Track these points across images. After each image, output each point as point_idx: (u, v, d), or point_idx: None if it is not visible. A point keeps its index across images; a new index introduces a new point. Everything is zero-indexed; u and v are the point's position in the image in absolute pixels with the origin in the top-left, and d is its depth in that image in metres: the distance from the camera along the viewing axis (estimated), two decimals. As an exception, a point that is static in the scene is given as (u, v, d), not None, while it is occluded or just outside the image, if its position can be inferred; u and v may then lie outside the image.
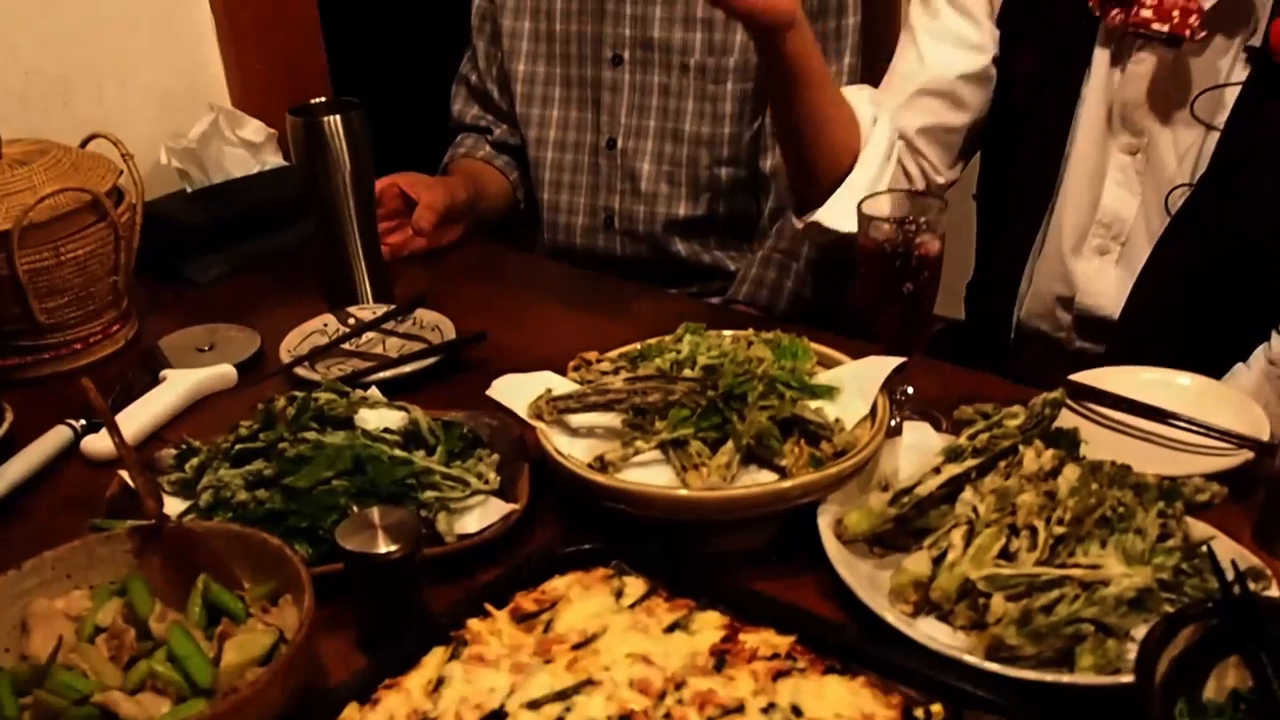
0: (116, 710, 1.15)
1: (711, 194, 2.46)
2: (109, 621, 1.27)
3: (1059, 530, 1.36)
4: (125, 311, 2.11)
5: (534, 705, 1.18)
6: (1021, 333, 2.16)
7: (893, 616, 1.31)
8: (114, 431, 1.37)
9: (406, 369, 1.91)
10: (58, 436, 1.75)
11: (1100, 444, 1.57)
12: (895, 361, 1.61)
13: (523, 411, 1.59)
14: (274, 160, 2.63)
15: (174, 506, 1.52)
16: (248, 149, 2.59)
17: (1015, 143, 2.06)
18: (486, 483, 1.56)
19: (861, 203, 1.62)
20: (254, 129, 2.60)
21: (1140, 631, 1.25)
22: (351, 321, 2.10)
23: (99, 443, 1.73)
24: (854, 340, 1.71)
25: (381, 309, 2.11)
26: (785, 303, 2.44)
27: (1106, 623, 1.27)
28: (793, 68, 1.79)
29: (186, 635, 1.23)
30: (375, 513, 1.34)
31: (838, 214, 1.89)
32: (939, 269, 1.61)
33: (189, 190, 2.53)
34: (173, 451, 1.64)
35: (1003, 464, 1.47)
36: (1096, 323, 2.06)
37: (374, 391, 1.74)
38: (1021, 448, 1.47)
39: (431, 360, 1.94)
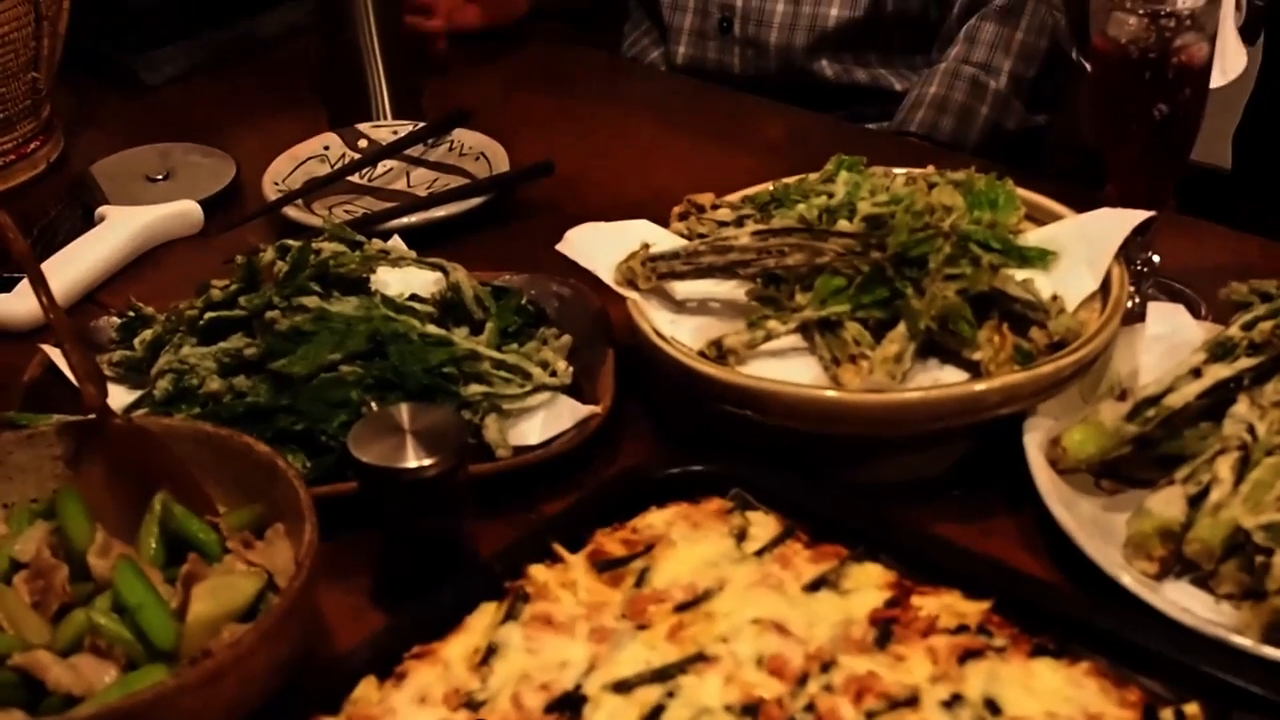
0: (43, 676, 1.16)
1: None
2: (31, 555, 1.28)
3: None
4: (47, 122, 2.13)
5: (623, 687, 1.18)
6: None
7: (1130, 578, 1.31)
8: (39, 287, 1.37)
9: (441, 212, 1.92)
10: (-47, 294, 1.78)
11: None
12: (1138, 217, 1.60)
13: (607, 276, 1.60)
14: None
15: (118, 398, 1.53)
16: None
17: None
18: (554, 375, 1.57)
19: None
20: None
21: None
22: (363, 144, 2.11)
23: (13, 305, 1.75)
24: (1079, 187, 1.71)
25: (406, 127, 2.12)
26: (978, 135, 2.42)
27: None
28: None
29: (139, 576, 1.23)
30: (403, 411, 1.34)
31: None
32: (1205, 87, 1.59)
33: (135, -47, 2.54)
34: (115, 320, 1.66)
35: (1293, 366, 1.46)
36: None
37: (397, 243, 1.75)
38: (1320, 342, 1.46)
39: (476, 201, 1.95)
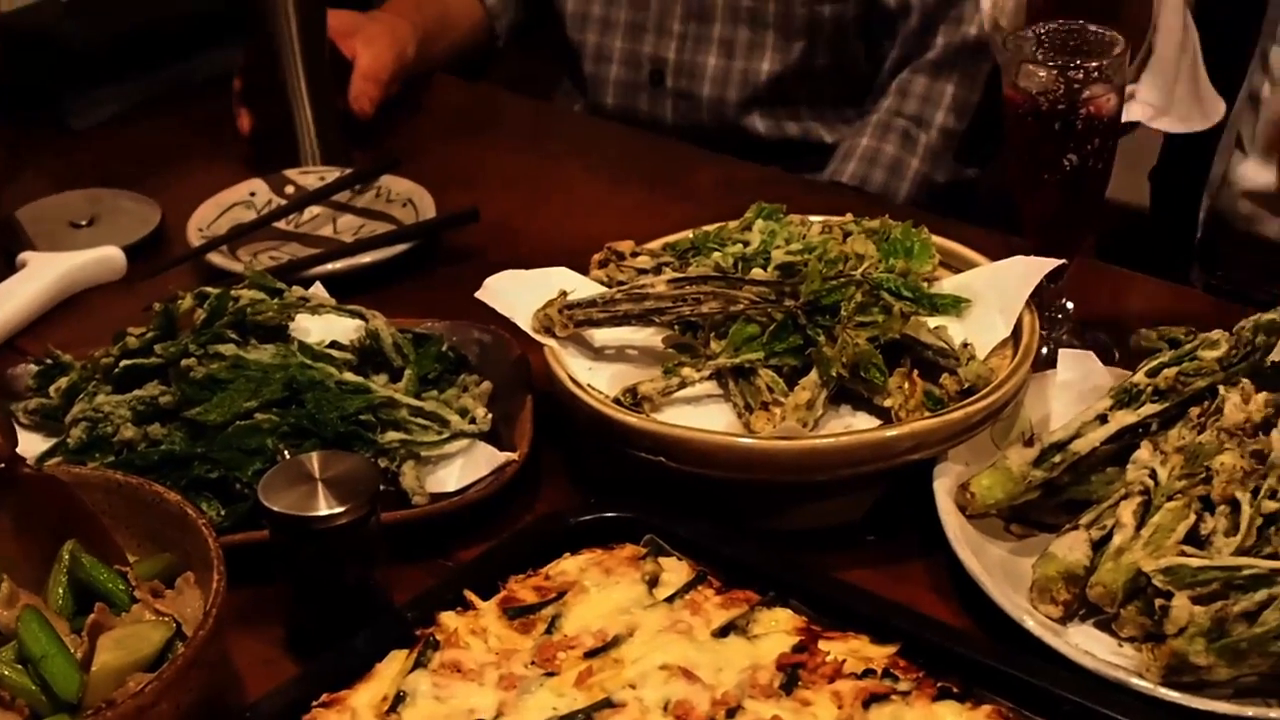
0: (-56, 728, 1.17)
1: (809, 40, 2.45)
2: (-65, 605, 1.28)
3: (1270, 506, 1.36)
4: (-28, 167, 2.12)
5: None
6: (1226, 229, 2.15)
7: (1034, 622, 1.32)
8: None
9: (365, 259, 1.92)
10: None
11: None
12: (1049, 264, 1.61)
13: (526, 323, 1.60)
14: (186, -40, 2.63)
15: (32, 445, 1.54)
16: (149, -61, 2.59)
17: None
18: (473, 422, 1.57)
19: (1005, 37, 1.61)
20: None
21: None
22: (290, 190, 2.11)
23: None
24: (993, 233, 1.73)
25: (333, 173, 2.12)
26: (909, 187, 2.44)
27: (1335, 636, 1.27)
28: None
29: (45, 627, 1.23)
30: (315, 460, 1.35)
31: (1153, 110, 1.87)
32: (1115, 138, 1.60)
33: (65, -2, 2.53)
34: (32, 368, 1.65)
35: (1195, 412, 1.47)
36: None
37: (318, 290, 1.75)
38: (1222, 389, 1.47)
39: (403, 247, 1.95)
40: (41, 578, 1.31)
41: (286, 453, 1.46)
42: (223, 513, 1.44)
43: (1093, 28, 1.59)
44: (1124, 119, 1.81)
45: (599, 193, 2.13)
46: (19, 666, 1.21)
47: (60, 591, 1.30)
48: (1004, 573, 1.39)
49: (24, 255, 1.93)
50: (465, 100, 2.49)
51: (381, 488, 1.40)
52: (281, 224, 2.04)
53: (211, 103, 2.34)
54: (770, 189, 1.87)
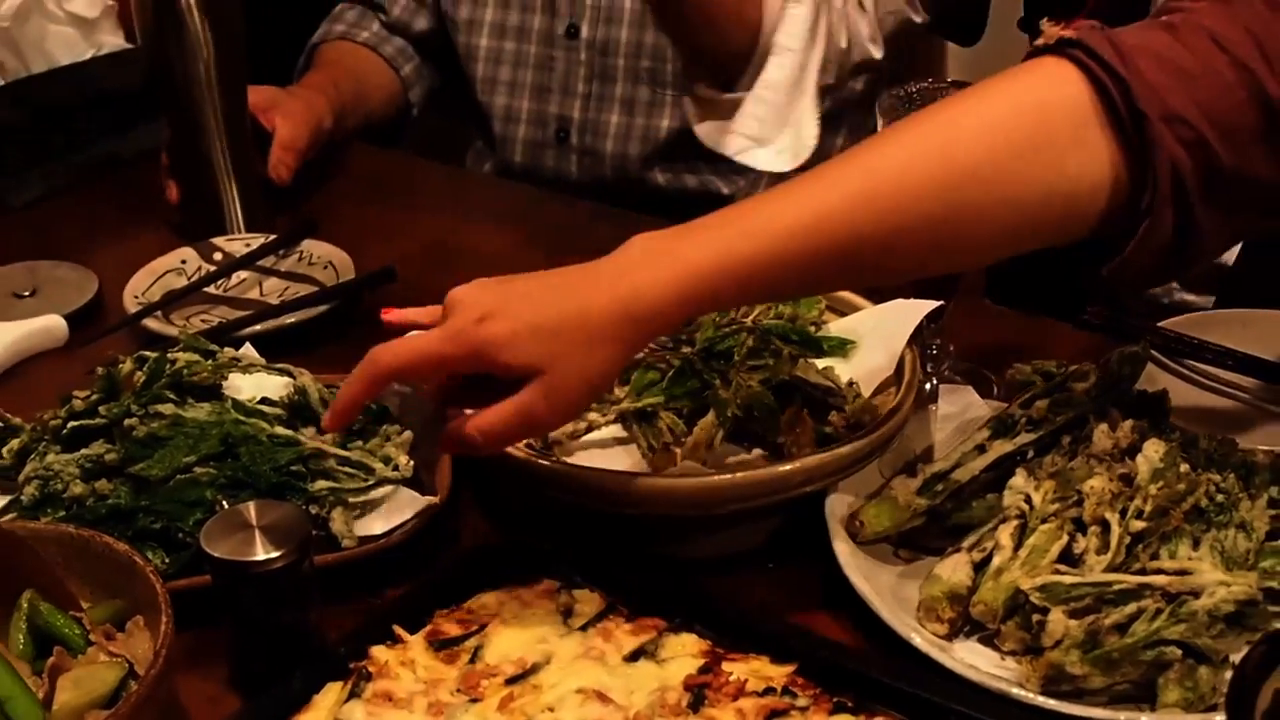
0: (-82, 765, 1.19)
1: None
2: (-96, 651, 1.30)
3: (1137, 525, 1.39)
4: (-85, 243, 2.13)
5: None
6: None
7: (921, 639, 1.35)
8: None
9: (291, 319, 1.94)
10: None
11: (1195, 413, 1.62)
12: (928, 306, 1.64)
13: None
14: (113, 41, 2.62)
15: None
16: (77, 26, 2.58)
17: None
18: (396, 469, 1.59)
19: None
20: (86, 1, 2.60)
21: (1241, 656, 1.27)
22: (218, 257, 2.12)
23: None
24: None
25: (257, 240, 2.14)
26: None
27: (1197, 645, 1.30)
28: None
29: (7, 669, 1.25)
30: (251, 509, 1.37)
31: (749, 142, 1.91)
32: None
33: (0, 83, 2.53)
34: (-16, 431, 1.66)
35: (1066, 440, 1.51)
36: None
37: (248, 350, 1.77)
38: (1092, 419, 1.51)
39: (324, 308, 1.97)
40: (2, 626, 1.33)
41: (225, 503, 1.47)
42: (167, 560, 1.46)
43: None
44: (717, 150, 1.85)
45: (507, 250, 2.14)
46: (-15, 707, 1.23)
47: (20, 637, 1.32)
48: (893, 594, 1.41)
49: (-32, 326, 1.94)
50: (380, 166, 2.51)
51: (314, 532, 1.42)
52: (211, 289, 2.06)
53: (140, 176, 2.35)
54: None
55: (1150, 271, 1.40)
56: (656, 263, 1.34)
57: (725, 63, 1.97)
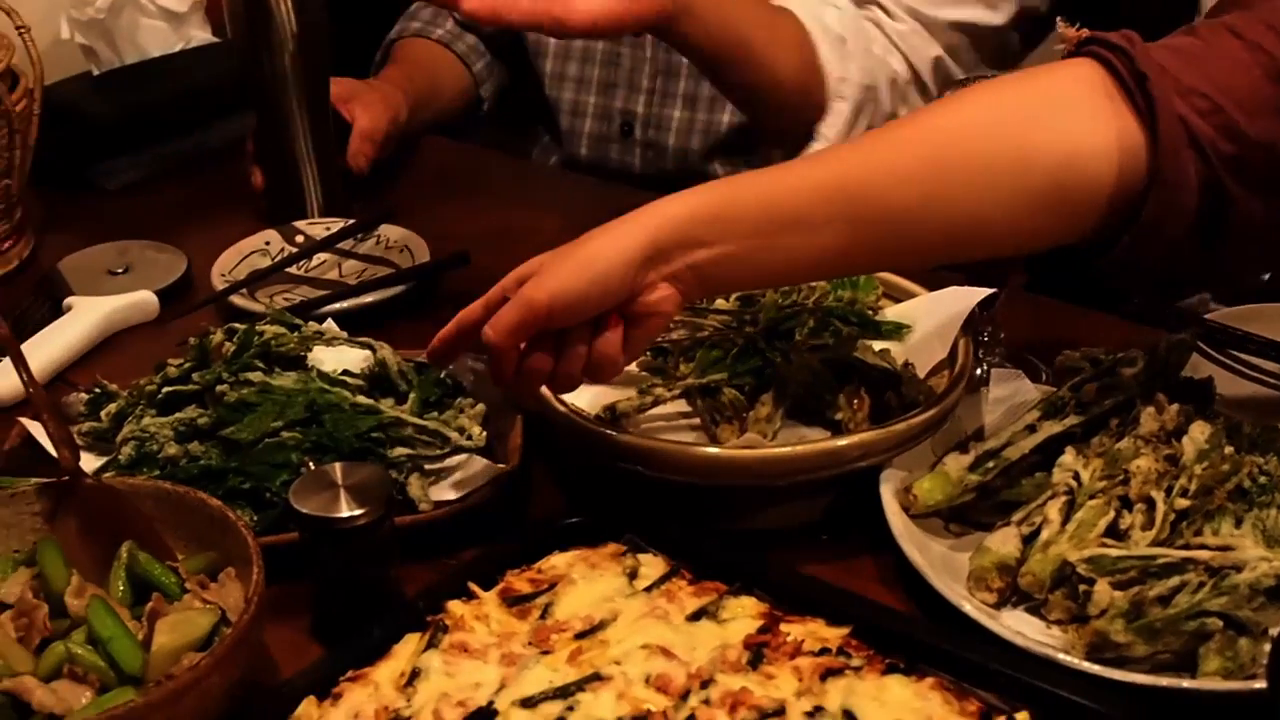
0: (29, 698, 1.22)
1: None
2: (15, 596, 1.34)
3: (1182, 504, 1.41)
4: (18, 224, 2.19)
5: (529, 703, 1.25)
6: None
7: (971, 607, 1.37)
8: (20, 364, 1.44)
9: (369, 299, 1.97)
10: (-59, 376, 1.82)
11: (1240, 400, 1.63)
12: (981, 293, 1.66)
13: (515, 352, 1.65)
14: (201, 35, 2.69)
15: (87, 463, 1.57)
16: (168, 20, 2.64)
17: None
18: (470, 438, 1.62)
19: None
20: (177, -6, 2.66)
21: (1280, 629, 1.30)
22: (299, 240, 2.16)
23: (-7, 384, 1.80)
24: (932, 269, 1.76)
25: (337, 224, 2.18)
26: None
27: (1238, 617, 1.32)
28: (704, 48, 1.90)
29: (110, 613, 1.29)
30: (337, 469, 1.40)
31: None
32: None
33: (95, 73, 2.59)
34: (83, 396, 1.71)
35: (1114, 422, 1.53)
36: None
37: (331, 325, 1.81)
38: (1139, 403, 1.53)
39: (400, 289, 2.00)
40: (103, 573, 1.37)
41: (311, 464, 1.51)
42: (255, 518, 1.49)
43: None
44: None
45: (572, 238, 2.15)
46: (89, 646, 1.27)
47: (120, 585, 1.36)
48: (944, 565, 1.43)
49: (69, 300, 1.98)
50: (452, 158, 2.54)
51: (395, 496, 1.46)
52: (293, 269, 2.09)
53: (225, 165, 2.40)
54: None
55: (1183, 257, 1.41)
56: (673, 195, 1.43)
57: (797, 133, 2.01)
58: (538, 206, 2.30)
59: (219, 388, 1.61)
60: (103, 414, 1.65)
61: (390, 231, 2.17)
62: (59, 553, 1.38)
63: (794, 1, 2.07)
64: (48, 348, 1.88)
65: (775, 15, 2.05)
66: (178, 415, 1.60)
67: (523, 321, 1.41)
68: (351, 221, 2.18)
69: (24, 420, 1.63)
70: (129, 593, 1.36)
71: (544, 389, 1.53)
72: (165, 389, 1.64)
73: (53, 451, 1.46)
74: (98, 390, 1.70)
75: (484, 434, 1.63)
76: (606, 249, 1.41)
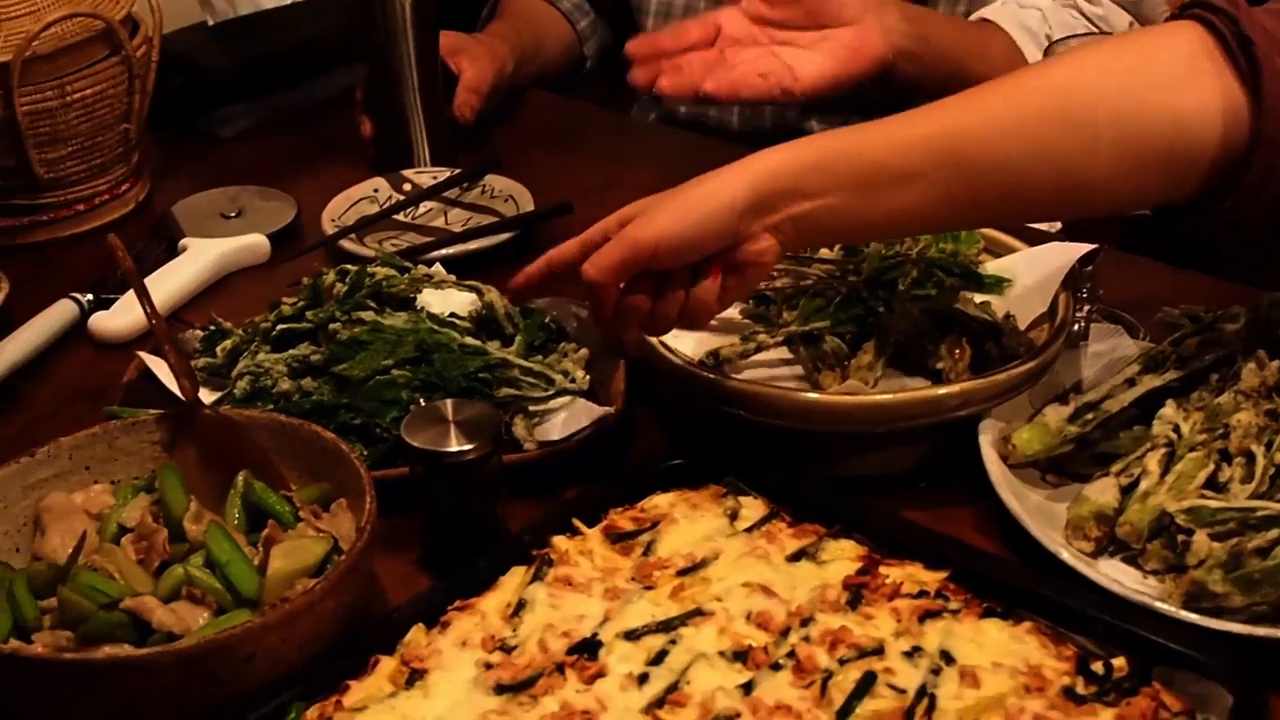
0: (149, 618, 1.24)
1: None
2: (136, 521, 1.36)
3: None
4: (136, 167, 2.21)
5: (632, 636, 1.26)
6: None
7: (1069, 554, 1.36)
8: (144, 297, 1.46)
9: (474, 245, 1.98)
10: (62, 312, 1.85)
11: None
12: (1081, 249, 1.65)
13: (621, 297, 1.65)
14: (313, -12, 2.70)
15: (202, 398, 1.57)
16: (282, -27, 2.66)
17: None
18: (573, 381, 1.63)
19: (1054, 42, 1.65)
20: (289, -51, 2.67)
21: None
22: (407, 188, 2.17)
23: (111, 321, 1.83)
24: (1031, 225, 1.76)
25: (444, 173, 2.19)
26: None
27: (1338, 569, 1.30)
28: (925, 86, 1.92)
29: (227, 538, 1.31)
30: (448, 405, 1.41)
31: None
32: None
33: (211, 23, 2.58)
34: (199, 333, 1.74)
35: (1214, 377, 1.52)
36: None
37: (439, 268, 1.82)
38: (1240, 358, 1.51)
39: (505, 236, 2.01)
40: (220, 501, 1.39)
41: (421, 401, 1.52)
42: (365, 453, 1.49)
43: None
44: None
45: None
46: (207, 570, 1.29)
47: (236, 512, 1.38)
48: (1041, 514, 1.42)
49: (185, 241, 2.01)
50: (555, 113, 2.54)
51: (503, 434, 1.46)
52: (400, 216, 2.10)
53: (334, 116, 2.41)
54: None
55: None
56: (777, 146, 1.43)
57: None
58: (637, 161, 2.29)
59: (332, 326, 1.62)
60: (218, 350, 1.67)
61: (495, 181, 2.17)
62: (178, 480, 1.39)
63: (997, 11, 2.06)
64: (164, 286, 1.89)
65: (983, 33, 2.06)
66: (291, 352, 1.62)
67: (625, 260, 1.41)
68: (458, 171, 2.18)
69: (142, 354, 1.65)
70: (244, 520, 1.38)
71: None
72: (279, 326, 1.66)
73: (169, 385, 1.48)
74: (213, 327, 1.72)
75: (587, 378, 1.63)
76: (712, 195, 1.41)
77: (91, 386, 1.72)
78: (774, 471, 1.45)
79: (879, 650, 1.23)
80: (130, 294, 1.74)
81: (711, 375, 1.53)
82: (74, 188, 2.11)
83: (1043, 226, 1.85)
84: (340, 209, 2.09)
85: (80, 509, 1.39)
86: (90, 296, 1.88)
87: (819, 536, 1.37)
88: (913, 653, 1.23)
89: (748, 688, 1.20)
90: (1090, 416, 1.49)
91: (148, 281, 1.83)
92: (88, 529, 1.36)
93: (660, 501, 1.43)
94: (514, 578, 1.34)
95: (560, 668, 1.22)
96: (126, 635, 1.25)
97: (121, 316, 1.81)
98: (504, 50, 2.46)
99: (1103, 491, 1.42)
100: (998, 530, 1.45)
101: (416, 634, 1.27)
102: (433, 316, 1.65)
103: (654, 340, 1.57)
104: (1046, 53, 1.68)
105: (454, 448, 1.37)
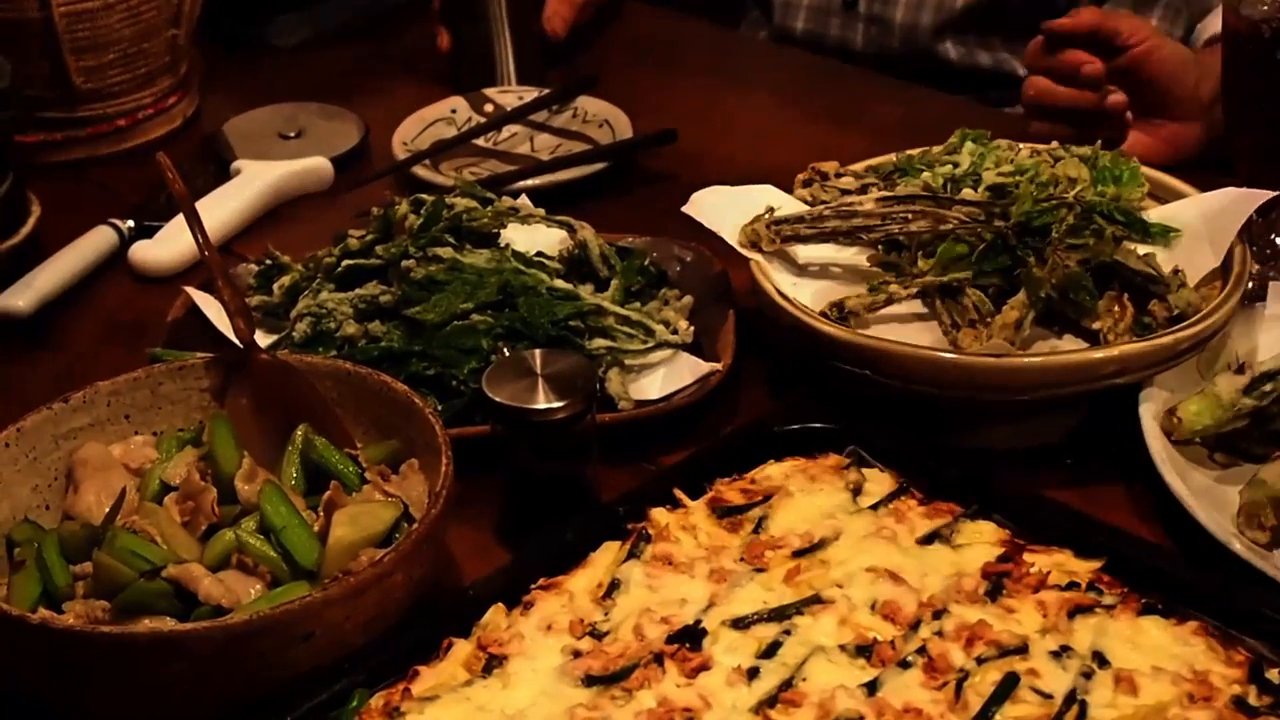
0: (195, 588, 1.24)
1: None
2: (181, 478, 1.36)
3: None
4: (184, 79, 2.22)
5: (741, 624, 1.25)
6: None
7: (1241, 545, 1.34)
8: (195, 225, 1.45)
9: (565, 176, 1.97)
10: (99, 240, 1.86)
11: None
12: (1261, 197, 1.62)
13: (732, 237, 1.64)
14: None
15: (258, 340, 1.57)
16: None
17: None
18: (676, 333, 1.62)
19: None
20: None
21: None
22: (489, 109, 2.16)
23: (154, 251, 1.84)
24: (1204, 170, 1.73)
25: (531, 93, 2.18)
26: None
27: None
28: None
29: (284, 501, 1.31)
30: (536, 356, 1.41)
31: None
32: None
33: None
34: (252, 268, 1.73)
35: None
36: None
37: (525, 201, 1.80)
38: None
39: (600, 166, 2.00)
40: (276, 458, 1.39)
41: (505, 350, 1.52)
42: (440, 408, 1.49)
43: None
44: None
45: (793, 120, 2.16)
46: (260, 536, 1.29)
47: (294, 471, 1.38)
48: (1208, 498, 1.41)
49: (238, 163, 2.01)
50: (653, 27, 2.54)
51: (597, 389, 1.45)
52: (481, 141, 2.10)
53: (407, 25, 2.42)
54: (959, 121, 1.86)
55: None
56: None
57: None
58: (746, 82, 2.30)
59: (405, 263, 1.62)
60: (275, 287, 1.68)
61: (589, 104, 2.17)
62: (230, 432, 1.39)
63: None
64: (214, 213, 1.89)
65: None
66: (358, 291, 1.62)
67: None
68: (547, 91, 2.18)
69: (190, 290, 1.66)
70: (303, 480, 1.38)
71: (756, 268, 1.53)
72: (345, 262, 1.65)
73: (221, 325, 1.48)
74: (269, 262, 1.72)
75: (691, 329, 1.63)
76: None
77: (132, 324, 1.73)
78: (903, 441, 1.44)
79: (1022, 649, 1.22)
80: (176, 221, 1.75)
81: (835, 329, 1.52)
82: (115, 100, 2.12)
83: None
84: (413, 131, 2.09)
85: (119, 463, 1.39)
86: (131, 223, 1.89)
87: (954, 516, 1.36)
88: (1061, 653, 1.22)
89: (871, 687, 1.20)
90: (1268, 388, 1.47)
91: (198, 205, 1.85)
92: (127, 486, 1.36)
93: (774, 472, 1.42)
94: (606, 554, 1.33)
95: (658, 658, 1.22)
96: (168, 607, 1.25)
97: (166, 246, 1.82)
98: None
99: (1280, 474, 1.39)
100: (1157, 515, 1.44)
101: (495, 615, 1.27)
102: (518, 255, 1.64)
103: (770, 288, 1.56)
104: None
105: (541, 404, 1.37)
